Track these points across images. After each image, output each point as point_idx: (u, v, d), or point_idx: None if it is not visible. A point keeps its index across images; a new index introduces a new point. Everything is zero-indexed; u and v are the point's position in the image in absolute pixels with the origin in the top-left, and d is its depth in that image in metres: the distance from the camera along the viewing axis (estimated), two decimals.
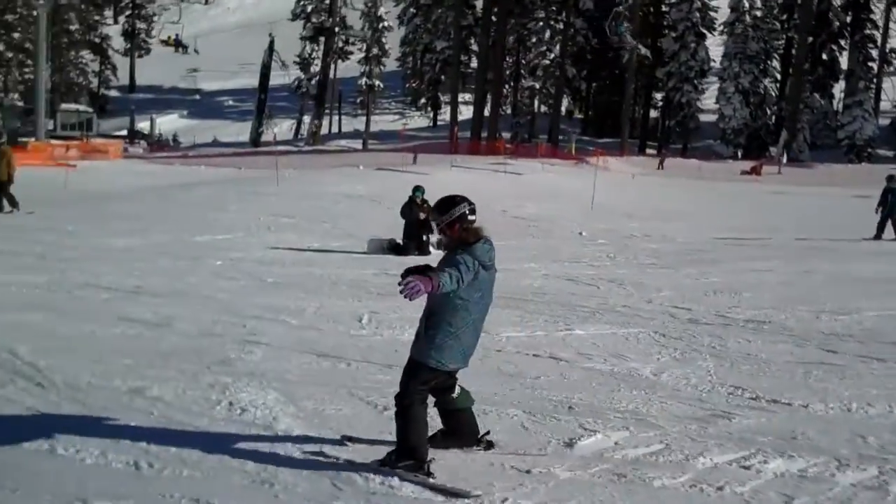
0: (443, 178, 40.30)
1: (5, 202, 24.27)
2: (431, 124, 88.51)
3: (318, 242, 20.09)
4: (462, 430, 6.34)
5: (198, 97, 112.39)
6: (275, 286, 13.76)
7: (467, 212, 5.98)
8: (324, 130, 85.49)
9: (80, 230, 20.76)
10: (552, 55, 67.25)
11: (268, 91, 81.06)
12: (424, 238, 18.34)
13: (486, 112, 69.39)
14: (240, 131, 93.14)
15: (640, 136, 75.74)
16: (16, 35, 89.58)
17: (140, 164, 53.94)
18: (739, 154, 66.29)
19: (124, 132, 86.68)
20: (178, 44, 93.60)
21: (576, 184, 41.32)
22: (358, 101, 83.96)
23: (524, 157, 53.74)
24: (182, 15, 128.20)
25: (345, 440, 6.58)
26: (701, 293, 13.67)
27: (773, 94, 70.90)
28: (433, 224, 6.16)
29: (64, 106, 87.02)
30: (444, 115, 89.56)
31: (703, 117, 71.74)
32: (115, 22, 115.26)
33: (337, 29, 75.79)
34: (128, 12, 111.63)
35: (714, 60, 72.53)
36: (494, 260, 6.02)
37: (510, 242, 21.07)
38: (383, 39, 78.52)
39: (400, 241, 18.53)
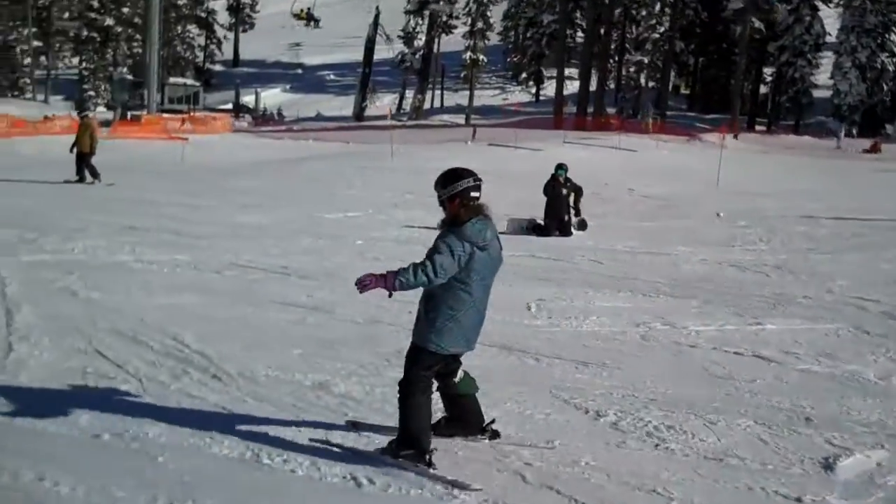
0: (556, 154, 39.50)
1: (87, 173, 24.33)
2: (534, 99, 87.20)
3: None
4: (466, 418, 6.10)
5: (300, 71, 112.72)
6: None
7: (471, 187, 5.72)
8: (426, 105, 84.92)
9: (206, 205, 20.49)
10: (661, 29, 65.44)
11: (372, 65, 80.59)
12: (566, 218, 17.56)
13: (591, 87, 68.26)
14: (342, 105, 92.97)
15: (748, 112, 73.48)
16: (125, 10, 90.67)
17: (249, 138, 53.99)
18: (854, 132, 63.78)
19: (229, 106, 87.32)
20: (310, 18, 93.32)
21: (692, 161, 40.19)
22: (462, 75, 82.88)
23: (633, 133, 52.50)
24: None
25: (350, 426, 6.41)
26: (881, 282, 12.69)
27: (891, 69, 68.02)
28: (437, 196, 5.83)
29: (171, 80, 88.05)
30: (546, 90, 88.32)
31: (817, 93, 69.38)
32: None
33: (441, 2, 74.94)
34: None
35: (829, 34, 69.97)
36: (490, 239, 5.71)
37: (648, 224, 20.27)
38: (488, 13, 77.38)
39: (540, 220, 17.76)
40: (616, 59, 77.79)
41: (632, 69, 69.17)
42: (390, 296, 5.69)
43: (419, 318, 5.80)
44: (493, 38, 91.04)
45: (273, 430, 6.13)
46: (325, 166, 33.19)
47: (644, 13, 66.71)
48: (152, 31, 58.71)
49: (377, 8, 79.25)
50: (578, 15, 74.27)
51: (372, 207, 21.21)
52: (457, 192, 5.71)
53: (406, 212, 20.68)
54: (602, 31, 67.38)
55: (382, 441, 5.94)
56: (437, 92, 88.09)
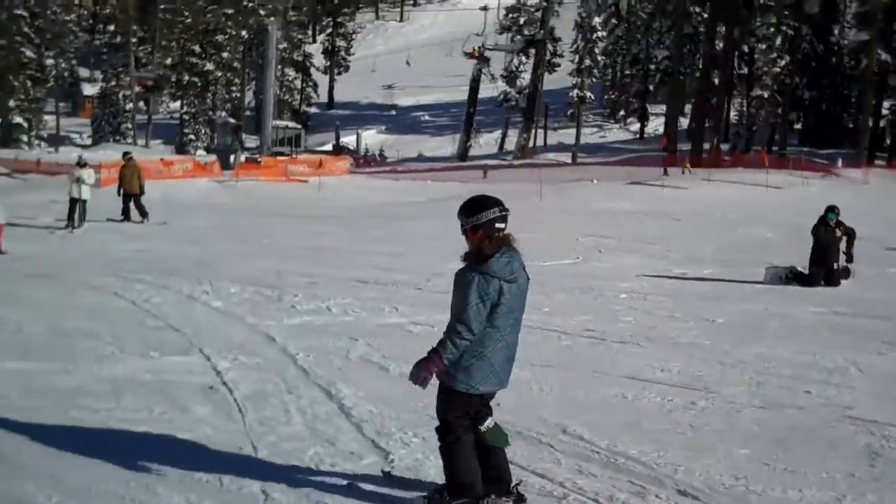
0: (704, 193, 37.84)
1: (136, 212, 26.36)
2: (638, 136, 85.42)
3: (680, 268, 17.86)
4: (491, 476, 5.56)
5: (394, 113, 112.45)
6: (731, 329, 11.53)
7: (496, 217, 5.37)
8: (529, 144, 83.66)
9: (403, 252, 19.20)
10: (782, 62, 63.24)
11: (476, 105, 79.61)
12: (835, 266, 15.82)
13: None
14: (438, 146, 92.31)
15: (867, 146, 70.78)
16: (224, 55, 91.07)
17: (368, 180, 53.10)
18: None
19: (328, 147, 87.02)
20: (481, 56, 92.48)
21: (845, 197, 38.04)
22: (569, 113, 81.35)
23: (749, 168, 50.36)
24: (378, 33, 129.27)
25: (386, 475, 6.18)
26: None
27: None
28: (461, 224, 5.43)
29: (274, 122, 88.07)
30: (650, 127, 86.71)
31: None
32: (314, 41, 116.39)
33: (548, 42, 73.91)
34: (329, 30, 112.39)
35: None
36: (519, 271, 5.39)
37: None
38: (595, 50, 75.92)
39: (801, 268, 16.05)
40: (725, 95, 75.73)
41: (753, 103, 66.97)
42: (455, 377, 5.34)
43: None
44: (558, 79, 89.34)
45: None
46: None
47: (764, 47, 64.55)
48: (269, 71, 58.44)
49: (481, 47, 78.44)
50: (687, 49, 72.52)
51: (578, 253, 19.71)
52: (481, 222, 5.36)
53: (615, 258, 19.23)
54: (723, 64, 65.37)
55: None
56: (540, 131, 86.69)
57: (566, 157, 75.65)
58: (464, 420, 5.45)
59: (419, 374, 5.31)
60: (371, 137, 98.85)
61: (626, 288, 14.78)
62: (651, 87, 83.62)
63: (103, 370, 8.85)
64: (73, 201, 24.80)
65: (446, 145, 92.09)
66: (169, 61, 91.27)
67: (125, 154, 29.57)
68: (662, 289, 14.84)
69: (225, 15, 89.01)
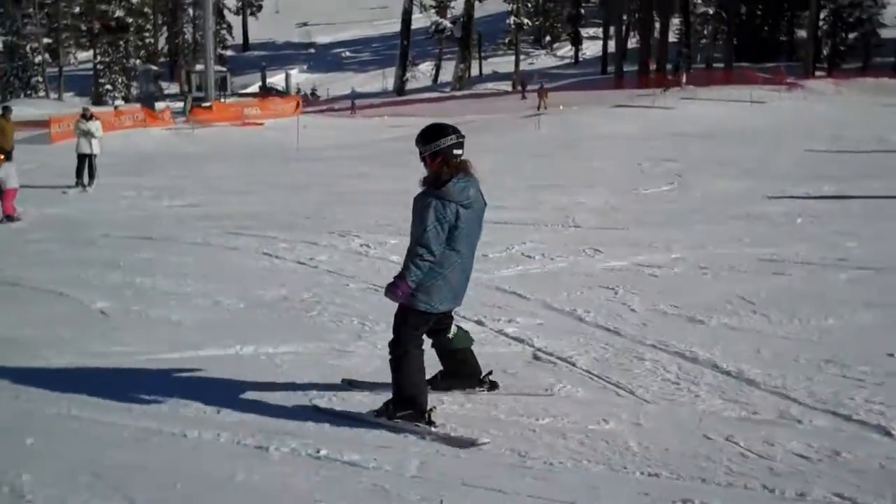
0: (698, 112, 36.97)
1: None
2: (573, 61, 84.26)
3: (800, 188, 16.70)
4: (462, 371, 6.10)
5: (313, 51, 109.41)
6: None
7: (454, 144, 5.53)
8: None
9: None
10: None
11: (409, 37, 77.37)
12: None
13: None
14: (365, 82, 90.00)
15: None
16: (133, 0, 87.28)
17: (322, 119, 51.04)
18: None
19: (254, 89, 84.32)
20: None
21: (833, 108, 37.73)
22: (507, 40, 79.40)
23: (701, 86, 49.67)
24: None
25: (346, 383, 6.41)
26: None
27: None
28: (419, 152, 5.62)
29: (198, 66, 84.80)
30: (586, 51, 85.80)
31: (885, 33, 66.76)
32: None
33: None
34: None
35: None
36: (475, 196, 5.60)
37: None
38: None
39: None
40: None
41: (698, 21, 66.32)
42: (415, 297, 5.53)
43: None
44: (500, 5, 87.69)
45: None
46: (476, 141, 30.40)
47: None
48: (207, 13, 55.55)
49: None
50: None
51: (663, 180, 18.47)
52: (440, 148, 5.53)
53: (711, 182, 17.99)
54: None
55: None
56: (475, 61, 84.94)
57: (506, 87, 74.24)
58: (416, 336, 5.69)
59: (392, 292, 5.53)
60: (293, 78, 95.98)
61: (787, 212, 13.59)
62: (582, 11, 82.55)
63: None
64: (82, 157, 22.73)
65: (373, 81, 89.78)
66: (77, 10, 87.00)
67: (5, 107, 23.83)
68: (826, 210, 13.65)
69: None
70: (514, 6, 72.17)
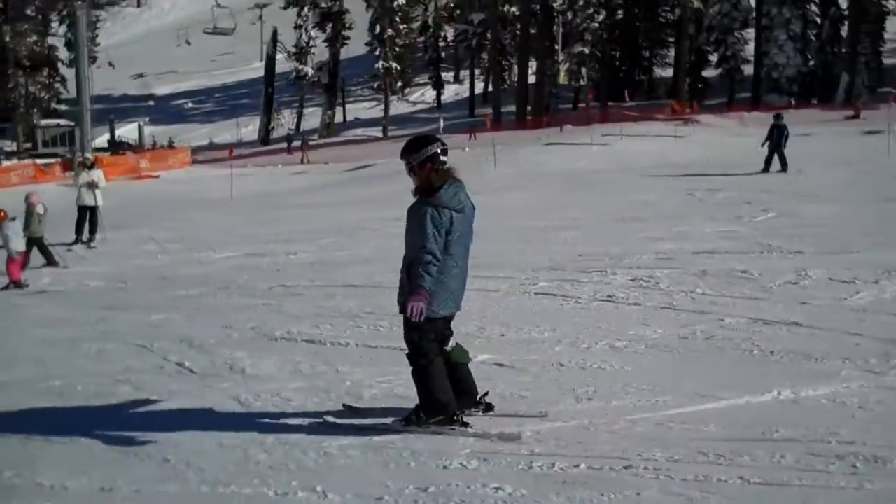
0: (634, 147, 36.85)
1: None
2: (435, 105, 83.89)
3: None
4: (459, 390, 5.99)
5: (152, 103, 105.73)
6: None
7: (439, 152, 5.77)
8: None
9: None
10: (599, 17, 63.44)
11: (274, 84, 75.29)
12: None
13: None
14: (214, 132, 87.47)
15: (668, 94, 72.74)
16: None
17: (216, 170, 48.77)
18: (793, 102, 63.84)
19: (101, 142, 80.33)
20: (221, 32, 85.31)
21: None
22: (376, 85, 78.02)
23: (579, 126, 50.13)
24: (117, 20, 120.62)
25: (346, 408, 6.50)
26: None
27: (813, 38, 68.28)
28: (404, 164, 5.83)
29: (45, 121, 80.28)
30: (448, 95, 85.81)
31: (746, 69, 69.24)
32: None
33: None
34: (68, 22, 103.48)
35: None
36: (465, 200, 5.79)
37: None
38: (396, 20, 73.22)
39: None
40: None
41: (574, 61, 66.98)
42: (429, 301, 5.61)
43: (402, 285, 5.76)
44: (358, 49, 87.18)
45: None
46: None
47: (581, 2, 64.58)
48: (82, 61, 52.30)
49: (274, 28, 74.44)
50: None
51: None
52: (426, 157, 5.73)
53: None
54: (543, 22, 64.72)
55: None
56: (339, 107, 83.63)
57: (375, 132, 73.27)
58: (433, 343, 5.79)
59: (414, 310, 5.52)
60: (133, 131, 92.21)
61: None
62: (442, 55, 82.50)
63: None
64: (83, 210, 20.33)
65: (222, 131, 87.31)
66: None
67: None
68: None
69: None
70: (383, 51, 71.14)
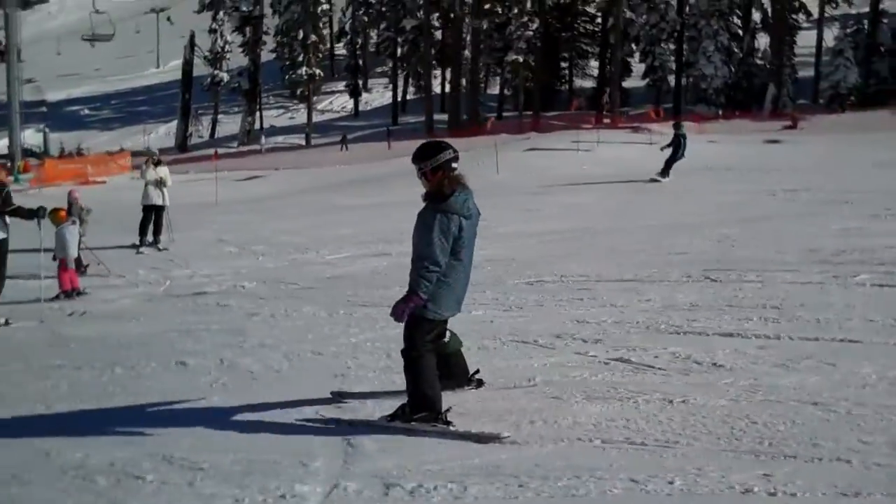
0: (614, 153, 36.35)
1: None
2: (353, 113, 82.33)
3: None
4: (454, 372, 6.37)
5: (45, 109, 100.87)
6: None
7: (451, 158, 5.88)
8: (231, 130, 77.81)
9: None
10: (534, 26, 63.12)
11: (191, 89, 72.54)
12: None
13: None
14: (115, 139, 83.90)
15: (590, 105, 73.00)
16: None
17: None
18: (720, 112, 64.80)
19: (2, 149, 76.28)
20: (99, 38, 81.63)
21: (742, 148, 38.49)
22: (299, 91, 75.67)
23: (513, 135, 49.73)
24: None
25: (336, 396, 6.70)
26: None
27: (736, 49, 69.34)
28: (416, 169, 5.94)
29: None
30: (369, 102, 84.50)
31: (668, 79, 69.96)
32: None
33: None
34: None
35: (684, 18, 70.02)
36: (473, 207, 5.93)
37: None
38: (320, 25, 71.54)
39: None
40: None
41: (507, 69, 66.48)
42: (425, 307, 5.80)
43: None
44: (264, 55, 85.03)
45: None
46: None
47: (515, 10, 64.18)
48: (12, 66, 49.21)
49: (192, 31, 71.81)
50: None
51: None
52: (439, 163, 5.83)
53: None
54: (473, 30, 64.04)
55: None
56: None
57: (298, 140, 71.42)
58: (427, 342, 5.90)
59: (399, 311, 5.74)
60: (32, 137, 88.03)
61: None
62: (361, 62, 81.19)
63: None
64: (149, 209, 18.62)
65: (124, 138, 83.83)
66: None
67: None
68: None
69: None
70: (307, 57, 69.35)
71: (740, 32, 69.40)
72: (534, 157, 35.24)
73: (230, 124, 79.53)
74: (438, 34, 70.76)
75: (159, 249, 17.99)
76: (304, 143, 69.34)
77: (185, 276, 14.69)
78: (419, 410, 5.84)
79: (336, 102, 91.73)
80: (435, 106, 70.16)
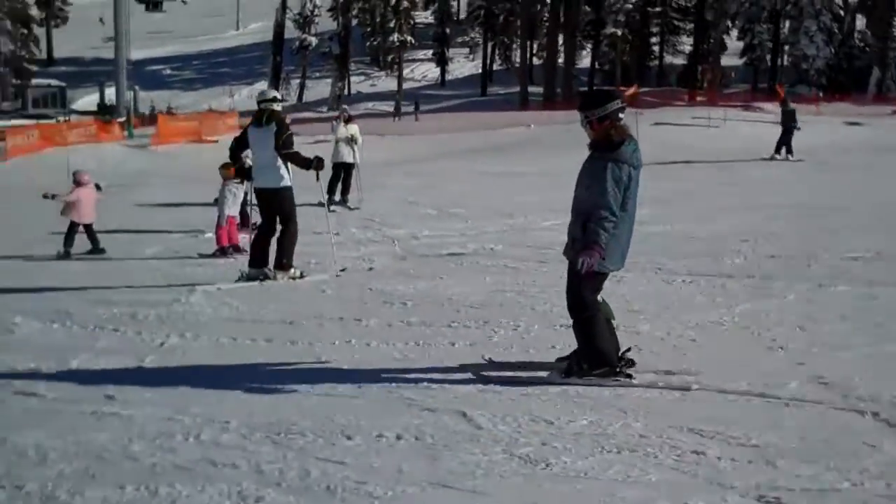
0: (747, 131, 35.68)
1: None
2: (439, 82, 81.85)
3: None
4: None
5: (130, 67, 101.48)
6: None
7: (620, 108, 5.77)
8: (319, 94, 77.70)
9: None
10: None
11: (282, 52, 72.39)
12: None
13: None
14: (203, 99, 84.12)
15: (680, 83, 71.90)
16: None
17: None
18: (820, 94, 63.46)
19: (89, 106, 77.10)
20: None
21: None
22: (389, 58, 75.46)
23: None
24: None
25: (488, 360, 6.50)
26: None
27: (836, 31, 67.96)
28: (580, 116, 5.84)
29: (35, 81, 76.33)
30: (454, 71, 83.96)
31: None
32: None
33: None
34: None
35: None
36: (640, 159, 5.77)
37: None
38: None
39: None
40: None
41: (605, 43, 65.69)
42: (602, 258, 5.65)
43: (574, 239, 5.81)
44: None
45: None
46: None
47: None
48: (120, 20, 49.33)
49: None
50: None
51: None
52: (608, 112, 5.73)
53: None
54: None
55: None
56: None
57: (386, 107, 70.98)
58: (595, 297, 5.87)
59: (587, 262, 5.59)
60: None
61: None
62: (447, 31, 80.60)
63: None
64: (339, 167, 18.41)
65: (209, 99, 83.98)
66: None
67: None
68: None
69: None
70: (398, 23, 68.93)
71: (842, 13, 68.06)
72: (667, 132, 34.58)
73: (313, 88, 79.51)
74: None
75: (350, 209, 17.76)
76: (392, 110, 68.97)
77: (407, 236, 14.35)
78: (598, 366, 5.82)
79: (417, 71, 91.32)
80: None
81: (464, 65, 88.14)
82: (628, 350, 6.18)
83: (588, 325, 5.83)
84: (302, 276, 10.58)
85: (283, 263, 10.46)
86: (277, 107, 10.49)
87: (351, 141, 18.38)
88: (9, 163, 33.35)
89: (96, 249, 13.44)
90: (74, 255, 13.06)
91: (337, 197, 18.23)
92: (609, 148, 5.65)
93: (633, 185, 5.70)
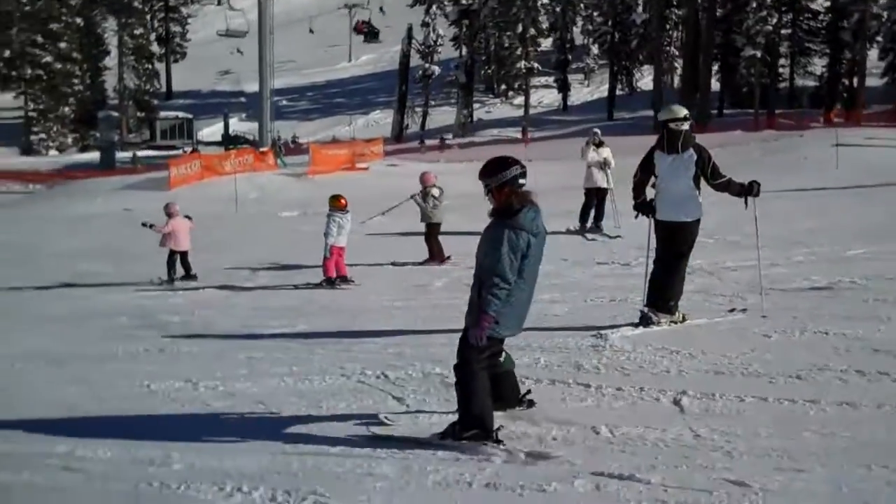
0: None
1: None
2: (561, 107, 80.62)
3: None
4: (506, 393, 6.21)
5: (244, 100, 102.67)
6: None
7: (519, 174, 5.79)
8: (438, 123, 77.03)
9: None
10: (773, 20, 60.34)
11: (408, 82, 72.03)
12: None
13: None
14: (321, 129, 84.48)
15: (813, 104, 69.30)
16: (62, 45, 79.01)
17: (420, 164, 45.59)
18: None
19: (213, 137, 78.04)
20: (369, 32, 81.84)
21: None
22: (516, 85, 74.72)
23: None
24: (197, 17, 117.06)
25: (383, 418, 6.44)
26: None
27: None
28: (482, 185, 5.82)
29: (163, 113, 77.41)
30: (574, 96, 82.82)
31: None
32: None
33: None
34: (161, 15, 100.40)
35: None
36: (541, 225, 5.79)
37: None
38: (539, 17, 70.05)
39: None
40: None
41: (742, 65, 63.76)
42: (497, 323, 5.65)
43: (472, 304, 5.82)
44: (448, 51, 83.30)
45: None
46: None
47: (754, 4, 61.41)
48: (264, 55, 49.28)
49: (409, 25, 71.38)
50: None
51: None
52: (506, 180, 5.76)
53: None
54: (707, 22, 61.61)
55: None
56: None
57: (514, 133, 70.08)
58: (482, 360, 5.80)
59: (478, 335, 5.63)
60: (235, 126, 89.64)
61: None
62: (569, 56, 79.41)
63: None
64: (592, 192, 17.40)
65: (326, 128, 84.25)
66: (7, 54, 77.68)
67: None
68: None
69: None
70: (524, 50, 68.10)
71: None
72: (852, 152, 32.93)
73: (434, 117, 79.07)
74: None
75: (610, 237, 16.68)
76: (519, 136, 68.08)
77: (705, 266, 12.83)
78: (470, 429, 5.72)
79: (534, 97, 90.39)
80: (645, 103, 67.99)
81: (580, 90, 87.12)
82: (528, 392, 6.36)
83: (466, 387, 5.76)
84: (684, 320, 9.17)
85: (670, 306, 9.09)
86: (687, 126, 8.99)
87: (604, 165, 17.30)
88: (174, 191, 33.22)
89: (188, 276, 14.86)
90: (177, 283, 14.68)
91: (589, 223, 17.21)
92: (508, 214, 5.66)
93: (532, 253, 5.67)
